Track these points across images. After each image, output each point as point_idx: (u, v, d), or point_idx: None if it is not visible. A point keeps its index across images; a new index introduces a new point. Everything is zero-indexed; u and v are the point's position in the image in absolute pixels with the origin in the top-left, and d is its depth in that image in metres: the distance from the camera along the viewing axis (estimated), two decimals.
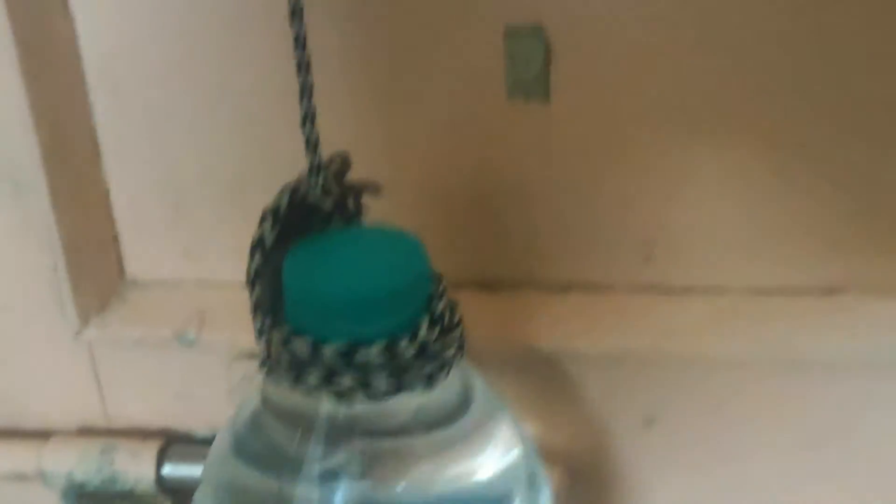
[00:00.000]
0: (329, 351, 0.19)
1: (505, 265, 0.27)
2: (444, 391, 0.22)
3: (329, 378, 0.19)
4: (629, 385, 0.30)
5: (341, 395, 0.20)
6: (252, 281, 0.21)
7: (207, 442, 0.31)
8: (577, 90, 0.27)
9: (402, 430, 0.22)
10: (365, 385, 0.20)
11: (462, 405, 0.23)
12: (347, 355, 0.19)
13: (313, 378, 0.19)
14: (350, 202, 0.22)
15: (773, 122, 0.27)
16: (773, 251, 0.29)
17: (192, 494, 0.33)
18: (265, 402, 0.22)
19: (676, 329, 0.29)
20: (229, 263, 0.31)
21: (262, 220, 0.20)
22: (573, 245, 0.30)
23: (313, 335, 0.20)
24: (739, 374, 0.29)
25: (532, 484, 0.24)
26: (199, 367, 0.31)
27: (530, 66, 0.27)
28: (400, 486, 0.21)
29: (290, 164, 0.21)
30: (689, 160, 0.28)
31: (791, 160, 0.28)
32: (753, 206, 0.29)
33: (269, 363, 0.21)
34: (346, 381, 0.19)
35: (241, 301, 0.30)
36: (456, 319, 0.21)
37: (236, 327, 0.30)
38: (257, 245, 0.20)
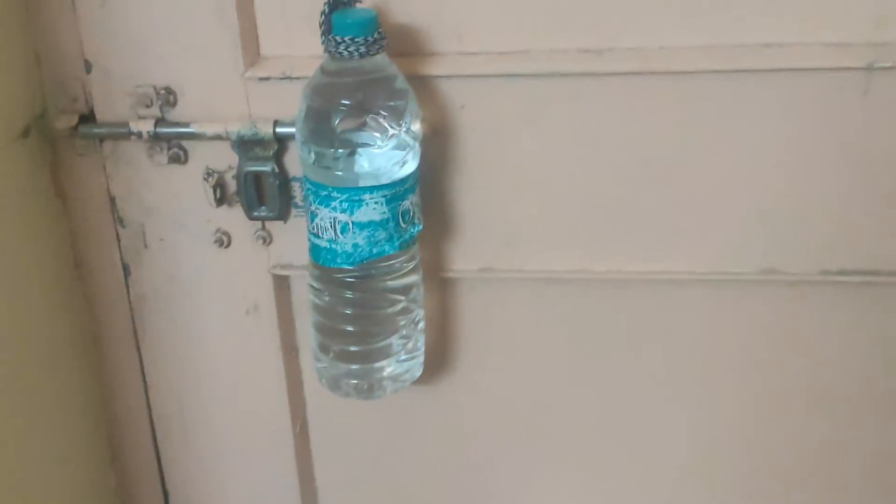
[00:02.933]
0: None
1: None
2: (389, 68, 0.70)
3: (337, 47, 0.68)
4: (450, 86, 0.77)
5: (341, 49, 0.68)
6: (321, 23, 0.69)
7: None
8: None
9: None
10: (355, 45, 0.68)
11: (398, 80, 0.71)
12: (353, 41, 0.67)
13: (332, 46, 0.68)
14: None
15: None
16: None
17: (289, 141, 0.80)
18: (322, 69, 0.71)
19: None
20: None
21: None
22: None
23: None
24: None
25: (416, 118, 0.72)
26: None
27: None
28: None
29: None
30: None
31: None
32: None
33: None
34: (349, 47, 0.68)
35: None
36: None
37: None
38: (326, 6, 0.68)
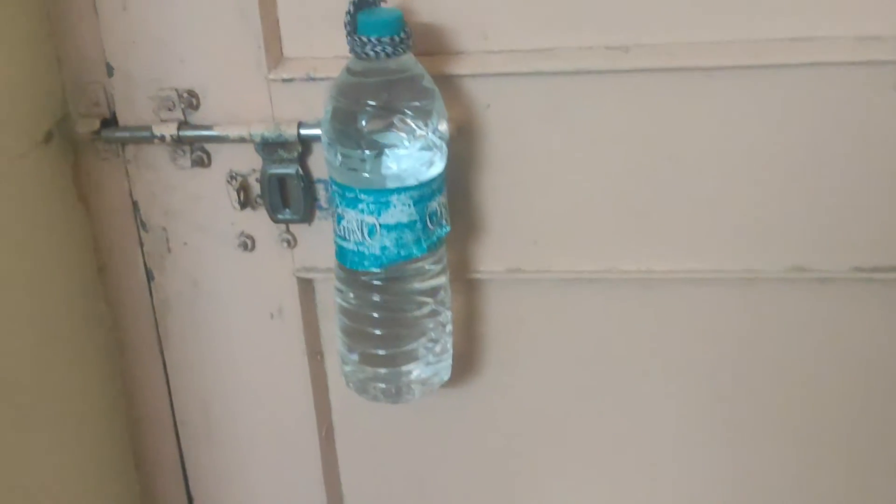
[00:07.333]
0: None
1: None
2: (415, 68, 0.70)
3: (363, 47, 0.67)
4: (475, 84, 0.76)
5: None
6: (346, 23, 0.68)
7: None
8: None
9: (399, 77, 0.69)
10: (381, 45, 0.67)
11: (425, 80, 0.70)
12: (379, 41, 0.67)
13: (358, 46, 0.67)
14: None
15: None
16: None
17: (313, 143, 0.79)
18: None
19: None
20: None
21: None
22: None
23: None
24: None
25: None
26: None
27: None
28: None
29: None
30: None
31: None
32: None
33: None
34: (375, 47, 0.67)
35: None
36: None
37: None
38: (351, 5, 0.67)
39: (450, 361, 0.80)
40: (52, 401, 0.79)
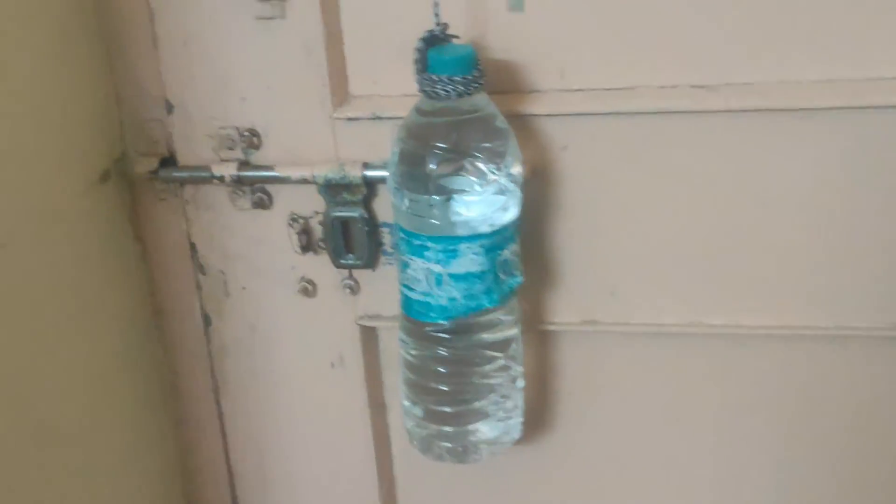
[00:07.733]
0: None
1: None
2: (488, 107, 0.65)
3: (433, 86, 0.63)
4: (551, 125, 0.72)
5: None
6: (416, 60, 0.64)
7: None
8: None
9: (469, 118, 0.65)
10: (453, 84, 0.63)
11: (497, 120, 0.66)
12: (450, 79, 0.62)
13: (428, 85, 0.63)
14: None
15: None
16: None
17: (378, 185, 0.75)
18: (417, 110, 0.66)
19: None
20: None
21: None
22: None
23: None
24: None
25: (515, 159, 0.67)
26: None
27: None
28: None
29: None
30: None
31: None
32: None
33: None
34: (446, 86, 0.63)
35: None
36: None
37: None
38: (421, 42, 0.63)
39: (521, 419, 0.75)
40: (105, 447, 0.76)
